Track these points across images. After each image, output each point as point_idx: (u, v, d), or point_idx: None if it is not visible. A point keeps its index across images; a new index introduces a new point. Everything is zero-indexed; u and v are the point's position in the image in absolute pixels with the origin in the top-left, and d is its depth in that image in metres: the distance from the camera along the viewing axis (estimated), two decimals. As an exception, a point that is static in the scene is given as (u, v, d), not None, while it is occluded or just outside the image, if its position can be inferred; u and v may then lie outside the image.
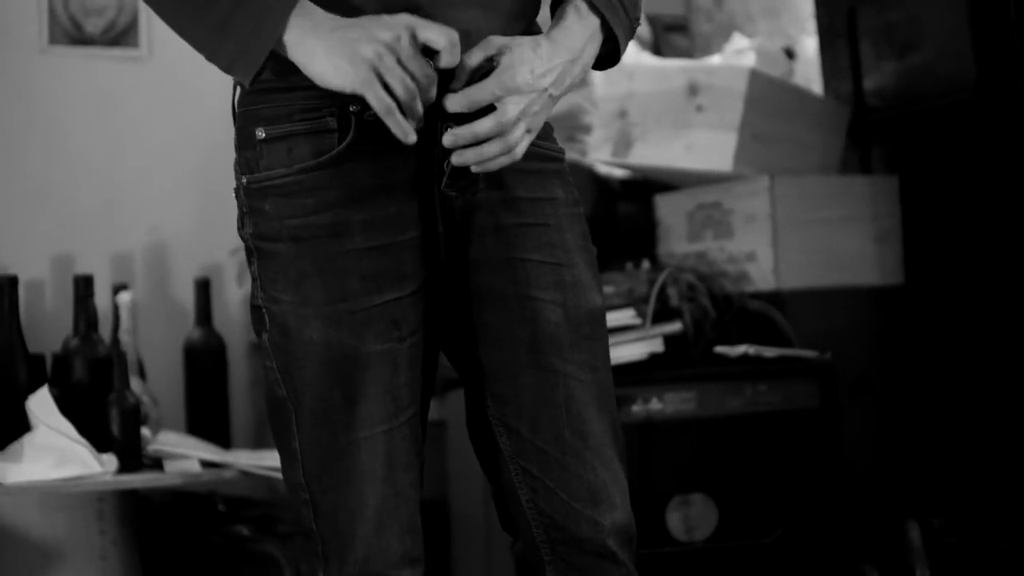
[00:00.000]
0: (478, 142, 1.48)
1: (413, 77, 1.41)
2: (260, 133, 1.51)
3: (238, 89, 1.57)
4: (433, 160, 1.51)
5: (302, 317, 1.49)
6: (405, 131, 1.43)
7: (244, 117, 1.55)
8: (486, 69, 1.49)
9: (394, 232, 1.51)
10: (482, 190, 1.54)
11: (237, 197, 1.56)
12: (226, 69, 1.47)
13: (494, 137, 1.47)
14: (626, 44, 1.61)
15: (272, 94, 1.50)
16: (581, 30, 1.54)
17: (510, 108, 1.47)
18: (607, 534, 1.55)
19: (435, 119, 1.48)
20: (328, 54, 1.42)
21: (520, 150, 1.50)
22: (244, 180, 1.53)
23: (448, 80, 1.48)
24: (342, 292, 1.49)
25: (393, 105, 1.41)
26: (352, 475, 1.50)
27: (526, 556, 1.60)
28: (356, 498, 1.50)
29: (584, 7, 1.54)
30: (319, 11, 1.45)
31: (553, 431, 1.55)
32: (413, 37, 1.41)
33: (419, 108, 1.43)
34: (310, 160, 1.49)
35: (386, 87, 1.41)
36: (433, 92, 1.44)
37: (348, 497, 1.50)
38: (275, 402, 1.54)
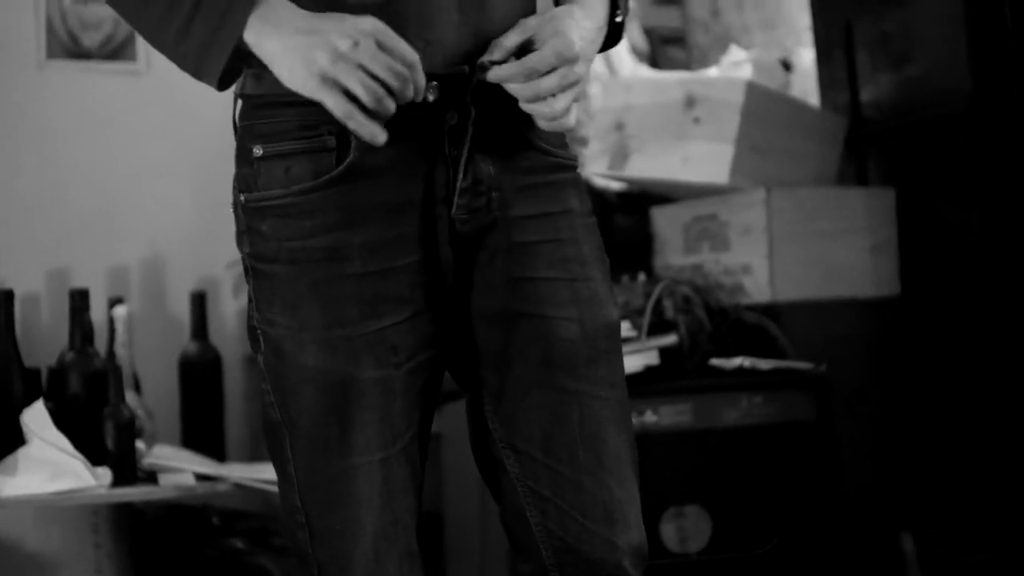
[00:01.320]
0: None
1: (376, 77, 1.35)
2: (257, 150, 1.48)
3: (239, 103, 1.54)
4: (441, 183, 1.48)
5: (298, 342, 1.46)
6: (372, 133, 1.36)
7: (243, 132, 1.51)
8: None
9: (394, 256, 1.47)
10: (495, 211, 1.51)
11: (235, 213, 1.53)
12: (194, 74, 1.42)
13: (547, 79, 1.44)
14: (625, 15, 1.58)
15: (271, 108, 1.47)
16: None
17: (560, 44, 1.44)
18: (623, 555, 1.51)
19: (440, 139, 1.46)
20: (285, 57, 1.37)
21: (571, 119, 1.47)
22: (242, 198, 1.50)
23: (461, 86, 1.45)
24: (339, 318, 1.45)
25: (352, 109, 1.35)
26: (349, 501, 1.47)
27: None
28: (353, 524, 1.47)
29: None
30: (285, 7, 1.39)
31: (567, 451, 1.51)
32: (376, 41, 1.35)
33: (390, 106, 1.36)
34: (308, 181, 1.45)
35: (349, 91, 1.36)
36: (410, 91, 1.38)
37: (345, 523, 1.47)
38: (270, 425, 1.52)
